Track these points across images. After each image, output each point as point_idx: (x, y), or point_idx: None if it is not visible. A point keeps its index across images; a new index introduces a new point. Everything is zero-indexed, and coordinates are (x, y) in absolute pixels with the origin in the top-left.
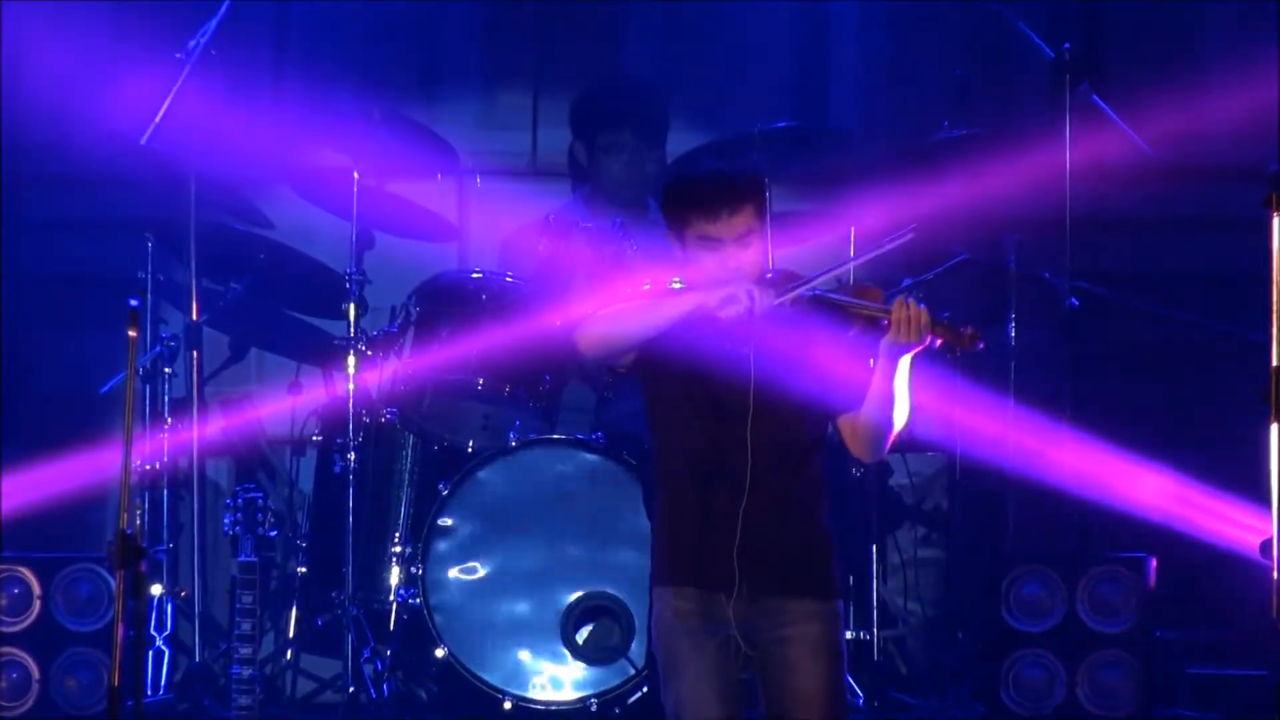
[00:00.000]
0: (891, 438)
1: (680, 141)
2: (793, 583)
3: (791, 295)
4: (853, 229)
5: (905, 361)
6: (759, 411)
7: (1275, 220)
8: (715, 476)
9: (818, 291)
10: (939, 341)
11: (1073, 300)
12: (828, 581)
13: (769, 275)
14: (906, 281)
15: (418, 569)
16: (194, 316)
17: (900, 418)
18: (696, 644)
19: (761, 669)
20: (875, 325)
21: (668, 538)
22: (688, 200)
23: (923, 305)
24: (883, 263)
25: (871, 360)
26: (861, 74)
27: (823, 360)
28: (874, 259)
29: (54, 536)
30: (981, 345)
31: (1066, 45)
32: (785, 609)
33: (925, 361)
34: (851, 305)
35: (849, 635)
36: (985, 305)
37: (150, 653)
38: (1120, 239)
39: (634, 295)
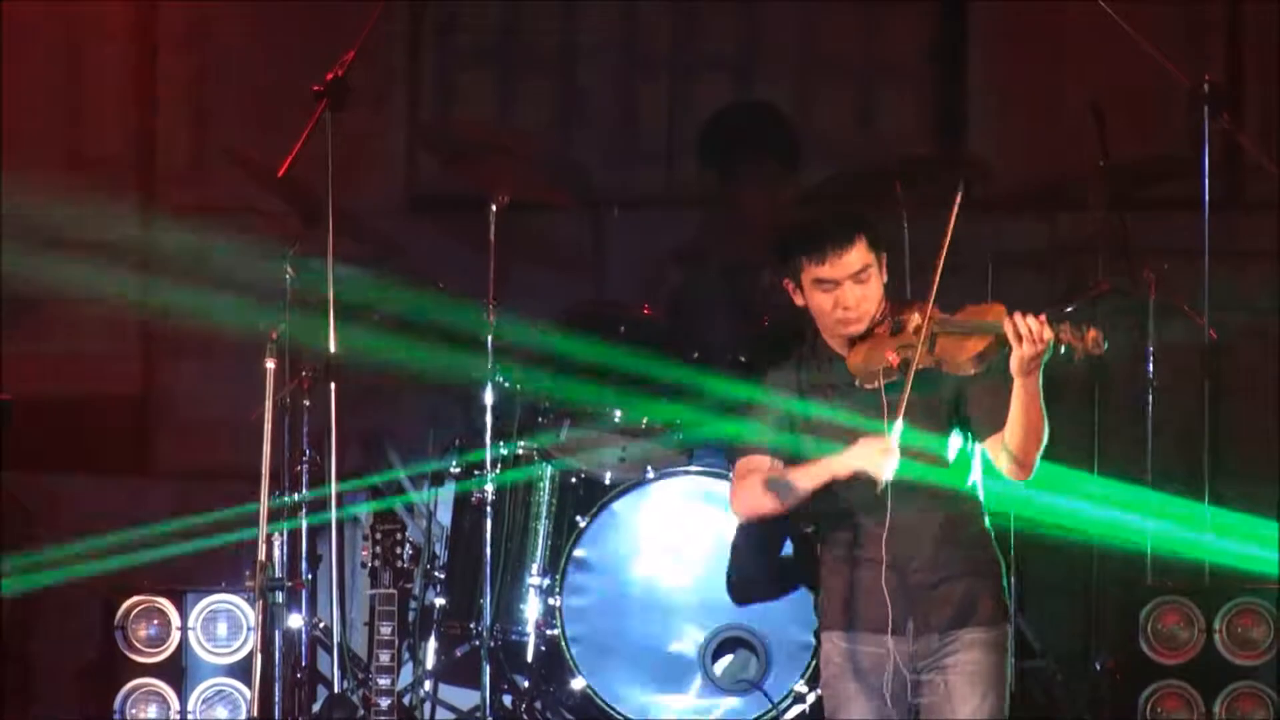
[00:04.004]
0: (1037, 455)
1: (816, 172)
2: (950, 615)
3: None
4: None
5: (1036, 373)
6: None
7: None
8: (865, 519)
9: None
10: (1062, 346)
11: (1212, 332)
12: (987, 609)
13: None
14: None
15: (555, 600)
16: (332, 348)
17: (1042, 433)
18: (861, 685)
19: (924, 699)
20: (1000, 343)
21: (829, 583)
22: (795, 246)
23: (1041, 316)
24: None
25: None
26: (999, 103)
27: (956, 388)
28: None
29: (190, 568)
30: (1105, 346)
31: (1206, 76)
32: (947, 639)
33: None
34: (974, 328)
35: None
36: (1124, 337)
37: (289, 684)
38: (1260, 269)
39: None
